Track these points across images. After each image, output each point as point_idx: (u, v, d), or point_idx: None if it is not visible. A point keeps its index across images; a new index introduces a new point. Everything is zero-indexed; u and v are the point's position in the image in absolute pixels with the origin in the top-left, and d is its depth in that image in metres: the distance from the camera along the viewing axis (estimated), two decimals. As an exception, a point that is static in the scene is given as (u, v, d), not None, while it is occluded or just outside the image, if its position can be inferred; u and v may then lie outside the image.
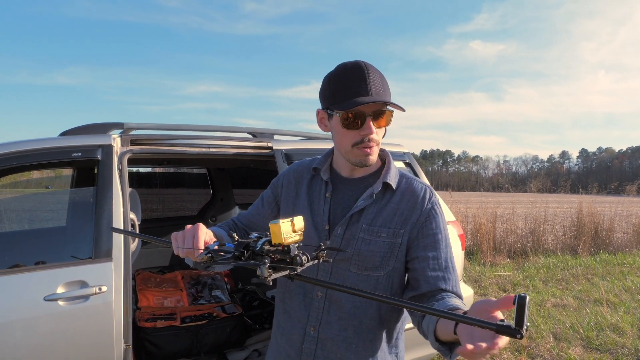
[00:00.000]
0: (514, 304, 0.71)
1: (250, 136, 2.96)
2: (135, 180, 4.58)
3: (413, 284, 1.20)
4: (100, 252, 2.19)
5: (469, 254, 8.17)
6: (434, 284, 1.16)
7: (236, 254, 0.90)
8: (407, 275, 1.24)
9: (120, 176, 2.34)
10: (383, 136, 1.25)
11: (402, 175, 1.30)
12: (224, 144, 2.76)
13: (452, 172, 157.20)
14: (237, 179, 4.73)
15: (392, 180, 1.26)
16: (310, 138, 3.20)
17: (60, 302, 2.05)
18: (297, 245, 0.86)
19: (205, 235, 1.05)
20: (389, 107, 1.17)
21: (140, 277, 3.49)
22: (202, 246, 1.02)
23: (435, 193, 1.32)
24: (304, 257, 0.85)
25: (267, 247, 0.87)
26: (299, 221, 0.87)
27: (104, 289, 2.13)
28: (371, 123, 1.16)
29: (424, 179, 3.07)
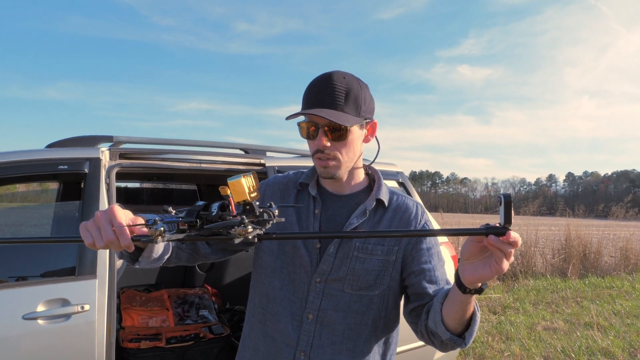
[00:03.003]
0: (500, 204, 0.77)
1: (242, 152, 2.93)
2: (122, 196, 4.49)
3: (412, 298, 1.18)
4: (84, 268, 2.11)
5: (459, 275, 8.12)
6: (433, 295, 1.14)
7: (192, 224, 0.81)
8: (406, 291, 1.22)
9: (108, 191, 2.28)
10: (376, 155, 1.22)
11: (392, 193, 1.29)
12: (215, 160, 2.71)
13: (440, 193, 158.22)
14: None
15: (384, 197, 1.25)
16: (304, 156, 3.17)
17: (40, 321, 1.96)
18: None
19: (124, 215, 0.87)
20: (336, 121, 1.11)
21: (125, 296, 3.39)
22: (126, 229, 0.84)
23: (426, 210, 1.32)
24: (271, 211, 0.81)
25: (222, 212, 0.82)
26: (255, 177, 0.83)
27: (86, 307, 2.05)
28: (323, 136, 1.13)
29: (417, 199, 3.05)
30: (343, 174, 1.20)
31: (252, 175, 0.82)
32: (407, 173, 3.40)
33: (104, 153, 2.36)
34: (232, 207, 0.82)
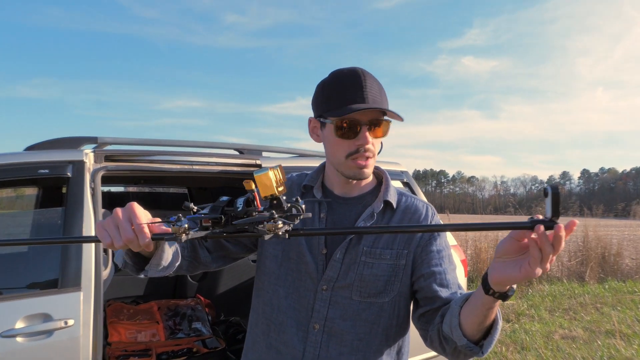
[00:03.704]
0: (545, 195, 0.76)
1: (236, 153, 2.93)
2: (106, 201, 4.47)
3: (422, 303, 1.19)
4: (67, 280, 2.09)
5: (469, 281, 8.13)
6: (446, 299, 1.15)
7: (216, 220, 0.82)
8: (415, 296, 1.23)
9: (93, 196, 2.26)
10: (379, 151, 1.24)
11: (400, 194, 1.31)
12: (208, 161, 2.71)
13: (446, 193, 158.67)
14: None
15: (392, 199, 1.27)
16: (302, 155, 3.18)
17: (19, 339, 1.94)
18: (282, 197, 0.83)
19: (145, 214, 0.90)
20: (386, 117, 1.18)
21: (112, 309, 3.37)
22: (146, 227, 0.87)
23: (436, 212, 1.33)
24: (299, 206, 0.83)
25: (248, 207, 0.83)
26: (282, 170, 0.85)
27: (70, 322, 2.03)
28: (367, 132, 1.15)
29: (423, 198, 3.05)
30: (371, 172, 1.24)
31: (279, 168, 0.84)
32: (410, 172, 3.40)
33: (88, 155, 2.35)
34: (258, 202, 0.84)
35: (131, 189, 4.87)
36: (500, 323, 1.04)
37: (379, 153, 1.25)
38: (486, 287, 0.93)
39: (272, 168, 0.82)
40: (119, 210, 0.89)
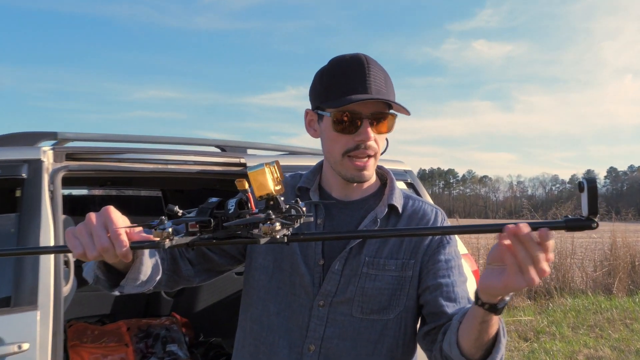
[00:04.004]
0: (581, 191, 0.78)
1: (218, 150, 2.93)
2: (67, 206, 4.45)
3: (428, 319, 1.20)
4: (21, 298, 2.07)
5: (482, 295, 8.18)
6: (452, 315, 1.15)
7: (204, 224, 0.82)
8: (421, 312, 1.24)
9: (52, 199, 2.25)
10: (384, 150, 1.25)
11: (407, 197, 1.33)
12: (185, 160, 2.71)
13: (456, 195, 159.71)
14: (199, 204, 4.65)
15: (398, 203, 1.28)
16: (293, 153, 3.18)
17: (-34, 366, 1.92)
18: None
19: (122, 219, 0.90)
20: (392, 110, 1.19)
21: (73, 330, 3.36)
22: (123, 234, 0.86)
23: (446, 217, 1.35)
24: (299, 207, 0.84)
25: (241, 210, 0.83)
26: (279, 166, 0.85)
27: (25, 346, 2.01)
28: (369, 127, 1.15)
29: (430, 202, 3.07)
30: (372, 174, 1.25)
31: (276, 164, 0.84)
32: (415, 172, 3.42)
33: (46, 153, 2.33)
34: (252, 203, 0.84)
35: (96, 192, 4.85)
36: (504, 341, 1.04)
37: (383, 152, 1.25)
38: (476, 296, 0.94)
39: (268, 164, 0.81)
40: (92, 215, 0.88)
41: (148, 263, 1.03)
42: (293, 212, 0.82)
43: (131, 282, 1.00)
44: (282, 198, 0.83)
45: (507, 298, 0.91)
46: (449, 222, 1.34)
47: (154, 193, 4.73)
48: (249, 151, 3.01)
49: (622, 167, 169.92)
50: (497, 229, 0.81)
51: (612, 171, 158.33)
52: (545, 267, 0.80)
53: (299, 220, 0.82)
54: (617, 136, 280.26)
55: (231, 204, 0.84)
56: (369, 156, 1.19)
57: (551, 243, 0.80)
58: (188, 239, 0.82)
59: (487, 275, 0.88)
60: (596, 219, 0.77)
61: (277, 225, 0.77)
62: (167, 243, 0.78)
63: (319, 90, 1.20)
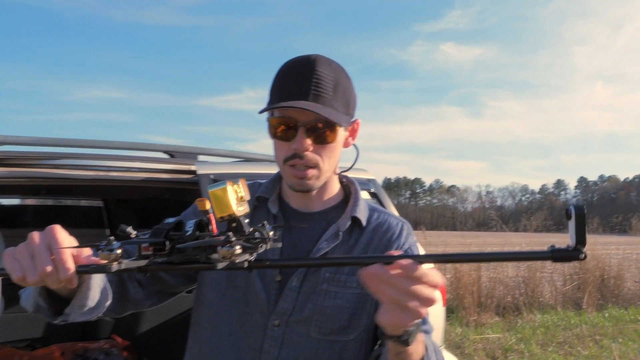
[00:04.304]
0: (568, 218, 0.77)
1: (166, 156, 2.90)
2: (-3, 217, 4.34)
3: (382, 342, 1.17)
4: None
5: (448, 311, 8.29)
6: None
7: (158, 246, 0.80)
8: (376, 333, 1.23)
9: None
10: (356, 160, 1.28)
11: (372, 209, 1.33)
12: (129, 166, 2.67)
13: (422, 206, 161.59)
14: (145, 216, 4.58)
15: (362, 215, 1.28)
16: (249, 160, 3.17)
17: None
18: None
19: (69, 240, 0.87)
20: (333, 119, 1.15)
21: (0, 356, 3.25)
22: (69, 257, 0.83)
23: (412, 230, 1.35)
24: (264, 231, 0.82)
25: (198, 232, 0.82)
26: (244, 184, 0.84)
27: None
28: (304, 136, 1.14)
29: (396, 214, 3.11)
30: (319, 186, 1.23)
31: (240, 183, 0.83)
32: (380, 181, 3.45)
33: (-30, 159, 2.27)
34: (214, 224, 0.82)
35: (29, 201, 4.73)
36: None
37: (355, 162, 1.27)
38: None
39: (231, 181, 0.81)
40: (35, 235, 0.85)
41: (96, 288, 1.00)
42: (257, 235, 0.81)
43: (77, 310, 0.98)
44: (247, 220, 0.82)
45: (412, 329, 0.91)
46: (414, 235, 1.34)
47: (95, 203, 4.64)
48: (201, 157, 2.98)
49: (592, 176, 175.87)
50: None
51: (582, 181, 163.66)
52: (427, 296, 0.82)
53: (263, 245, 0.81)
54: (587, 144, 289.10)
55: (190, 225, 0.82)
56: (308, 167, 1.17)
57: (420, 273, 0.81)
58: (141, 262, 0.79)
59: (380, 311, 0.89)
60: (584, 250, 0.76)
61: (237, 249, 0.75)
62: (115, 267, 0.75)
63: (269, 91, 1.21)
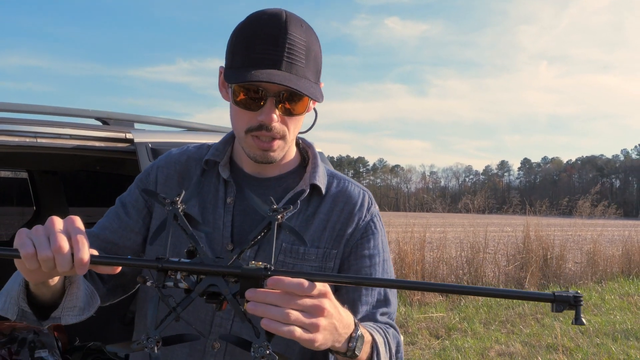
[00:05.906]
0: (570, 305, 0.82)
1: (99, 123, 2.82)
2: None
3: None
4: None
5: (393, 291, 8.47)
6: (369, 320, 1.18)
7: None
8: None
9: None
10: (313, 125, 1.25)
11: (331, 175, 1.31)
12: (59, 133, 2.57)
13: (365, 185, 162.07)
14: (75, 190, 4.48)
15: (321, 182, 1.26)
16: (192, 129, 3.11)
17: None
18: None
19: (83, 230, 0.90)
20: (311, 96, 1.13)
21: None
22: (85, 242, 0.86)
23: (374, 201, 1.33)
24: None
25: None
26: None
27: None
28: (274, 107, 1.11)
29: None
30: (279, 155, 1.20)
31: None
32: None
33: None
34: None
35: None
36: (385, 354, 1.08)
37: (311, 127, 1.24)
38: None
39: None
40: (55, 218, 0.88)
41: (81, 288, 1.03)
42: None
43: (69, 312, 1.00)
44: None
45: (353, 344, 0.95)
46: (376, 206, 1.32)
47: (19, 175, 4.49)
48: (137, 126, 2.91)
49: (536, 158, 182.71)
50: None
51: (525, 162, 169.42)
52: (306, 322, 0.87)
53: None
54: (531, 125, 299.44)
55: None
56: (274, 138, 1.14)
57: (291, 292, 0.86)
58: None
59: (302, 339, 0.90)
60: (582, 302, 0.83)
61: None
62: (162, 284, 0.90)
63: (229, 50, 1.15)
